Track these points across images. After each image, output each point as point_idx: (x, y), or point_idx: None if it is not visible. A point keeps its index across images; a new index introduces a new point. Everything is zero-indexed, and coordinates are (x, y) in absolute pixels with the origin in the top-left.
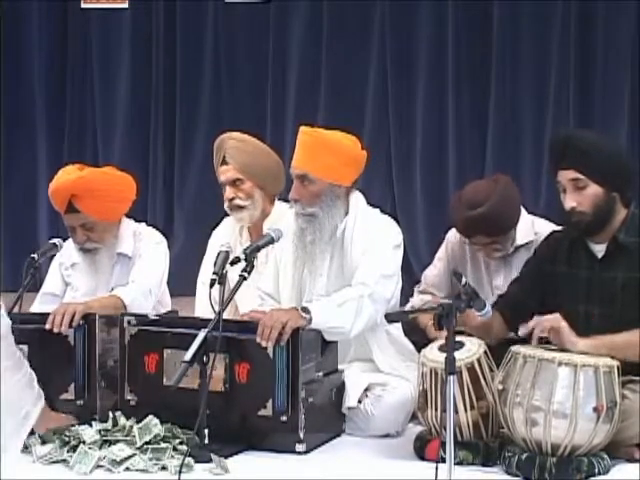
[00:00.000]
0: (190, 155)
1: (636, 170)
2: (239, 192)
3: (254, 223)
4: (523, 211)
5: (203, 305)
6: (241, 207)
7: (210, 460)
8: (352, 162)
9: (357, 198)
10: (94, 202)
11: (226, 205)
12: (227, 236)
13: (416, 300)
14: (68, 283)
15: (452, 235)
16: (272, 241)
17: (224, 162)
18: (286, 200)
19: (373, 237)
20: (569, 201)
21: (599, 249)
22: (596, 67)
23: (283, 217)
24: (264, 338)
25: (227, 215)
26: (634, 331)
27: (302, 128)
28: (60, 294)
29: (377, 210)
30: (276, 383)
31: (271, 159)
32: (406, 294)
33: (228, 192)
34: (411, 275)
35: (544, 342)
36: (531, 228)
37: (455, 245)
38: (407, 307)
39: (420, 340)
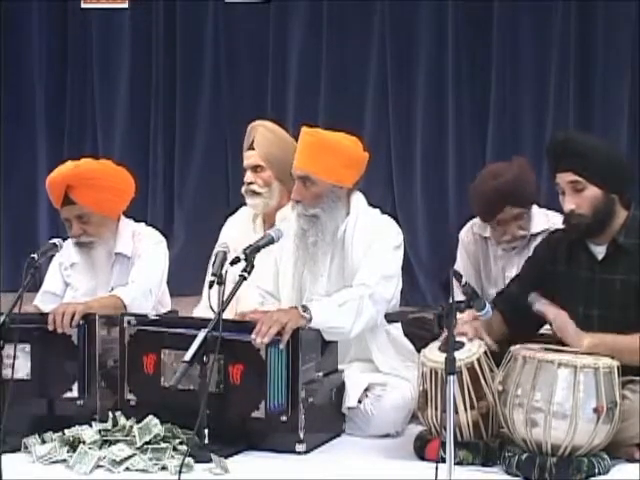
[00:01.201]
0: (190, 155)
1: (635, 171)
2: (258, 178)
3: (268, 213)
4: (535, 206)
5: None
6: (257, 193)
7: (210, 460)
8: (354, 163)
9: (358, 199)
10: (89, 192)
11: (243, 188)
12: (239, 224)
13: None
14: (68, 283)
15: (464, 234)
16: (272, 241)
17: (251, 147)
18: None
19: (374, 238)
20: (568, 203)
21: (599, 250)
22: (596, 67)
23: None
24: (260, 335)
25: (242, 205)
26: (637, 336)
27: (304, 129)
28: (61, 294)
29: (377, 210)
30: (269, 385)
31: None
32: (405, 295)
33: (248, 176)
34: (411, 275)
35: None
36: (545, 218)
37: (469, 244)
38: None
39: (422, 332)
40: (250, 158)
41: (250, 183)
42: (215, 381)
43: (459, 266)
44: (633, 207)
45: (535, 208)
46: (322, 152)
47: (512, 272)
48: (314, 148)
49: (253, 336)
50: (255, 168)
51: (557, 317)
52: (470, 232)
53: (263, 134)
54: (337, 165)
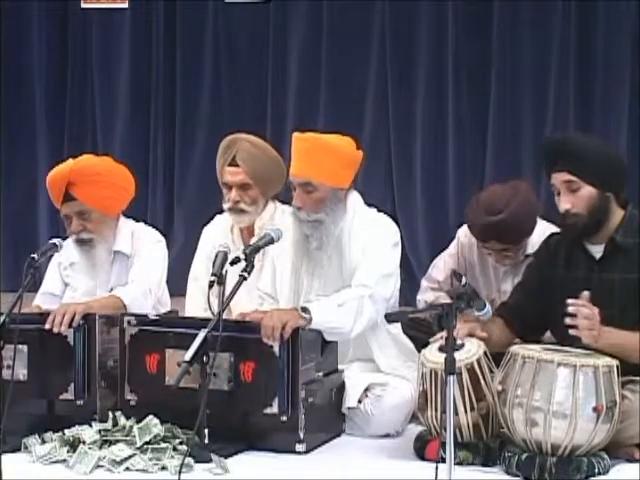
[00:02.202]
0: (190, 155)
1: (634, 171)
2: (245, 197)
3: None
4: (540, 222)
5: (194, 301)
6: (244, 211)
7: (210, 460)
8: (351, 163)
9: (354, 198)
10: (90, 188)
11: (228, 206)
12: (219, 234)
13: (429, 296)
14: (67, 283)
15: (463, 235)
16: (272, 241)
17: (234, 163)
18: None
19: (371, 236)
20: (563, 203)
21: (597, 250)
22: (596, 67)
23: (274, 217)
24: (269, 337)
25: (219, 213)
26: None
27: (296, 135)
28: (60, 294)
29: (374, 209)
30: (282, 381)
31: (280, 168)
32: (405, 294)
33: (234, 194)
34: (411, 275)
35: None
36: (543, 237)
37: (465, 247)
38: (420, 301)
39: (419, 335)
40: (237, 175)
41: (237, 202)
42: (226, 379)
43: (446, 261)
44: (632, 206)
45: (541, 224)
46: (320, 156)
47: (507, 286)
48: (311, 153)
49: (265, 340)
50: (242, 186)
51: (585, 309)
52: (470, 237)
53: (248, 151)
54: (336, 167)
